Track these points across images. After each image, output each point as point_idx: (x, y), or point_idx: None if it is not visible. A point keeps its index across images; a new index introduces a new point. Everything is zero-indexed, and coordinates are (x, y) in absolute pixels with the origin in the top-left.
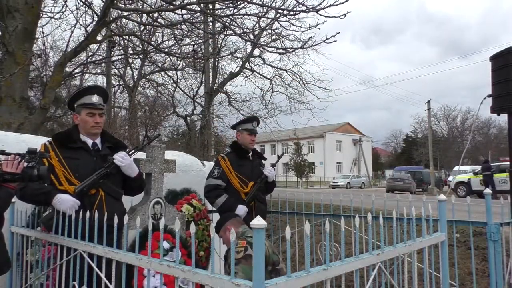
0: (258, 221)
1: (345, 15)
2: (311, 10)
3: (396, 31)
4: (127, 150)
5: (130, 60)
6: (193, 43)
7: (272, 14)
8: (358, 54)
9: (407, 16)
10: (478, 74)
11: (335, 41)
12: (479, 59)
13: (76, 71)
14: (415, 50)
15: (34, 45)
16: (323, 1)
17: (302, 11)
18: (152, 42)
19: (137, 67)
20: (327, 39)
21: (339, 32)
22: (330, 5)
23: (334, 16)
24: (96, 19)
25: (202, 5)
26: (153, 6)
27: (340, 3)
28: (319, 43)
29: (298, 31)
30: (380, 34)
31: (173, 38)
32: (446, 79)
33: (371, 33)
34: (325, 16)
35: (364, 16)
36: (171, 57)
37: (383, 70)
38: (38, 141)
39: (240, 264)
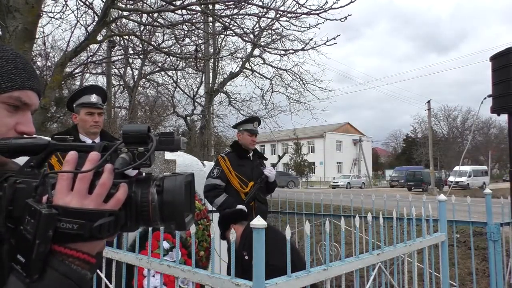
0: (258, 221)
1: (345, 18)
2: (312, 13)
3: (394, 31)
4: None
5: (130, 60)
6: (193, 43)
7: (272, 14)
8: (357, 53)
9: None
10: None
11: (335, 43)
12: (481, 59)
13: (77, 71)
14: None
15: (35, 45)
16: (324, 4)
17: (303, 13)
18: (152, 42)
19: (137, 67)
20: (327, 41)
21: (340, 35)
22: (331, 8)
23: (335, 19)
24: (96, 19)
25: (202, 6)
26: (153, 6)
27: (342, 6)
28: (319, 45)
29: (298, 31)
30: (376, 34)
31: (173, 38)
32: (439, 77)
33: (366, 28)
34: (326, 19)
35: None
36: (171, 57)
37: (383, 70)
38: None
39: None
